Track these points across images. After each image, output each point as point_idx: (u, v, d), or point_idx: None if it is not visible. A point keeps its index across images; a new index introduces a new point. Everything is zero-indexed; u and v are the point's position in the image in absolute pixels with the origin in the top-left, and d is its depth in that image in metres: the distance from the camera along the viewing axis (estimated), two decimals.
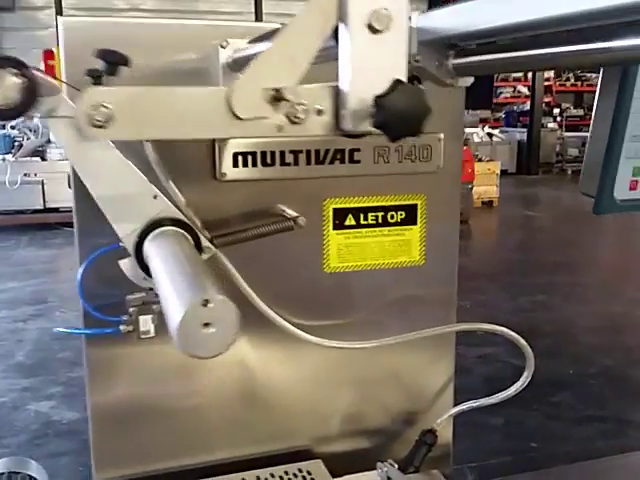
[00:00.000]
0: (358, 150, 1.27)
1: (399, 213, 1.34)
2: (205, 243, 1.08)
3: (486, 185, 9.07)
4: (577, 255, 6.75)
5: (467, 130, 10.74)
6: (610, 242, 7.68)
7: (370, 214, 1.32)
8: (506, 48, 1.10)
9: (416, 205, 1.35)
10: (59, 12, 8.38)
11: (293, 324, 1.24)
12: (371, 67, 0.65)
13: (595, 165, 1.20)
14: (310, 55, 0.63)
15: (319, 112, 0.66)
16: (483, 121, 13.36)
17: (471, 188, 8.06)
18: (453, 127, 1.34)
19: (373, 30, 0.64)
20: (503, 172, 9.84)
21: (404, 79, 0.66)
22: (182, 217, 1.05)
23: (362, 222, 1.32)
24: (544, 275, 5.92)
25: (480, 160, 9.33)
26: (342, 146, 1.26)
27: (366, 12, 0.63)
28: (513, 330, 1.31)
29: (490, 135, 11.89)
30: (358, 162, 1.28)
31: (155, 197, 1.03)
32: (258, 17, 8.75)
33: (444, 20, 1.19)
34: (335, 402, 1.37)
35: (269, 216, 1.22)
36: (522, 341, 1.30)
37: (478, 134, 11.56)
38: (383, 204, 1.32)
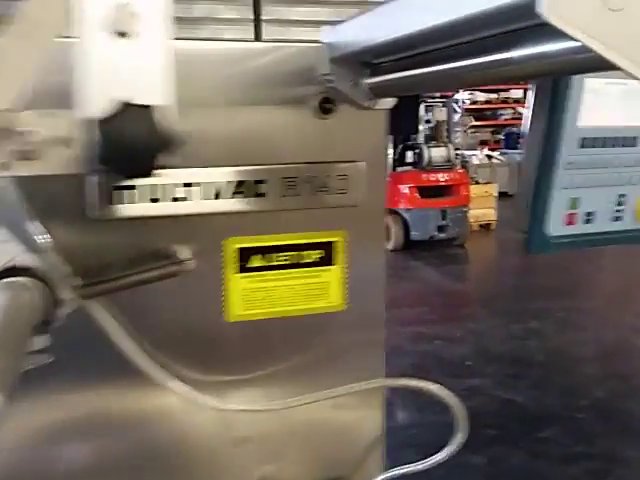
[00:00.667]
0: (263, 182, 1.12)
1: (314, 252, 1.18)
2: (65, 295, 0.93)
3: (483, 208, 8.92)
4: (574, 280, 6.57)
5: (466, 152, 10.61)
6: (610, 265, 7.49)
7: (280, 254, 1.17)
8: (420, 64, 0.95)
9: (334, 243, 1.19)
10: None
11: (190, 381, 1.08)
12: (107, 82, 0.49)
13: (526, 197, 1.05)
14: (32, 68, 0.48)
15: (63, 143, 0.50)
16: (483, 143, 13.24)
17: (466, 211, 7.90)
18: (375, 155, 1.18)
19: (118, 33, 0.48)
20: (503, 194, 9.68)
21: (155, 100, 0.50)
22: (37, 265, 0.90)
23: (271, 263, 1.16)
24: (539, 301, 5.74)
25: (477, 183, 9.19)
26: (244, 177, 1.10)
27: (104, 10, 0.47)
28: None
29: (489, 157, 11.74)
30: (263, 195, 1.12)
31: (4, 242, 0.89)
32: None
33: (353, 33, 1.05)
34: (242, 465, 1.20)
35: (159, 259, 1.07)
36: (454, 399, 1.14)
37: (477, 156, 11.42)
38: (295, 242, 1.17)
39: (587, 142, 1.02)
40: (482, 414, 3.48)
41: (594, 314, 5.47)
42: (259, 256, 1.15)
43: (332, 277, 1.20)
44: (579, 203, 1.05)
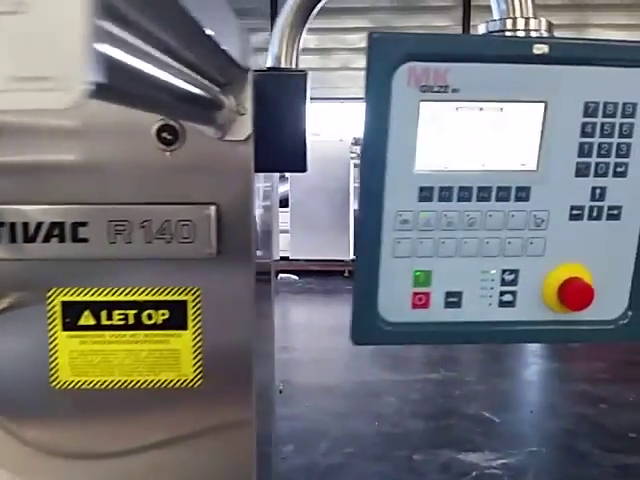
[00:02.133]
0: (84, 224, 0.93)
1: (160, 313, 0.97)
2: None
3: None
4: None
5: None
6: None
7: (117, 312, 0.97)
8: None
9: (185, 303, 0.96)
10: None
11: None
12: None
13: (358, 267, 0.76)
14: None
15: None
16: None
17: None
18: (235, 197, 0.94)
19: None
20: None
21: None
22: None
23: (105, 322, 0.97)
24: None
25: None
26: (60, 218, 0.93)
27: None
28: None
29: None
30: (85, 241, 0.94)
31: None
32: None
33: None
34: None
35: None
36: None
37: None
38: (135, 299, 0.97)
39: (429, 193, 0.70)
40: None
41: None
42: (88, 313, 0.97)
43: (183, 344, 0.98)
44: (431, 279, 0.73)
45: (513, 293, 0.75)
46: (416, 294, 0.74)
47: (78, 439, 0.98)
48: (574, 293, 0.72)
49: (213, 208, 0.92)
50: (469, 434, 3.40)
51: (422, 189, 0.71)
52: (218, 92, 0.81)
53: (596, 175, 0.73)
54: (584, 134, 0.71)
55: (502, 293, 0.75)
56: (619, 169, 0.73)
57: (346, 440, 3.35)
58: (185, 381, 0.96)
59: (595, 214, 0.74)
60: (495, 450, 3.26)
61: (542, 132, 0.71)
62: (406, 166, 0.70)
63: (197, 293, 0.94)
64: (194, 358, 0.95)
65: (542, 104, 0.71)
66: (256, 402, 0.99)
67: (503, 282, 0.75)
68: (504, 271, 0.74)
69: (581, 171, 0.72)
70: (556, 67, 0.70)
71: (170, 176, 0.93)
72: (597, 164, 0.72)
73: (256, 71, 0.84)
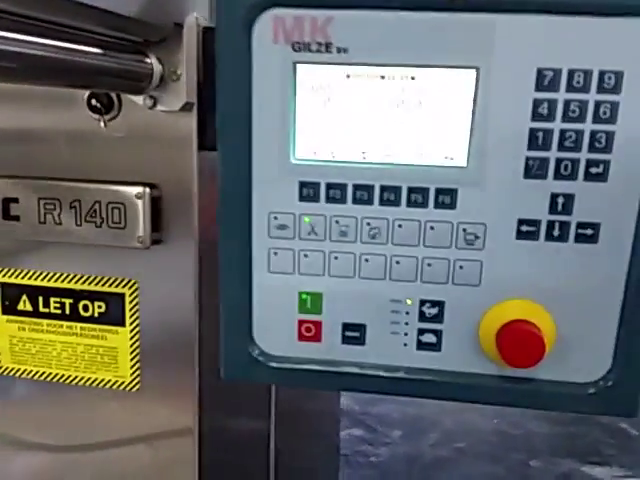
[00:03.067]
0: (15, 200, 0.83)
1: (96, 305, 0.85)
2: None
3: None
4: None
5: None
6: None
7: (53, 299, 0.87)
8: None
9: (122, 296, 0.84)
10: None
11: None
12: None
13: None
14: None
15: None
16: None
17: None
18: (175, 179, 0.79)
19: None
20: None
21: None
22: None
23: (42, 309, 0.88)
24: None
25: None
26: None
27: None
28: None
29: None
30: (17, 219, 0.84)
31: None
32: None
33: None
34: None
35: None
36: None
37: None
38: (72, 287, 0.86)
39: (313, 191, 0.52)
40: None
41: None
42: (25, 298, 0.88)
43: (121, 342, 0.86)
44: (322, 304, 0.55)
45: (437, 333, 0.54)
46: (303, 322, 0.55)
47: (16, 428, 0.90)
48: (514, 342, 0.51)
49: (147, 190, 0.78)
50: (598, 445, 3.05)
51: (304, 185, 0.52)
52: (136, 55, 0.67)
53: (558, 177, 0.50)
54: (537, 116, 0.49)
55: (421, 331, 0.55)
56: (594, 169, 0.49)
57: (459, 434, 3.12)
58: (123, 383, 0.84)
59: (556, 233, 0.51)
60: (625, 466, 2.89)
61: (473, 112, 0.50)
62: (280, 153, 0.51)
63: (135, 286, 0.81)
64: (132, 359, 0.83)
65: (473, 70, 0.49)
66: (201, 409, 0.85)
67: (422, 317, 0.54)
68: (423, 302, 0.54)
69: (533, 170, 0.50)
70: (493, 16, 0.48)
71: (103, 150, 0.80)
72: (559, 161, 0.50)
73: (206, 28, 0.68)
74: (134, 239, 0.79)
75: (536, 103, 0.49)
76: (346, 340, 0.55)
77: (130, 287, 0.81)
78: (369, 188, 0.52)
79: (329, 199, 0.52)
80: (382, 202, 0.51)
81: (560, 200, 0.50)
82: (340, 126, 0.51)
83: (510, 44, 0.48)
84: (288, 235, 0.53)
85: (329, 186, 0.52)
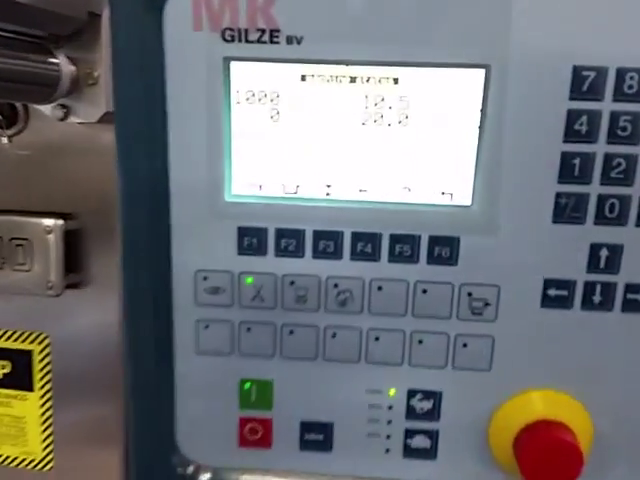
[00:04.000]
0: None
1: (0, 364, 0.69)
2: None
3: None
4: None
5: None
6: None
7: None
8: None
9: (30, 353, 0.68)
10: None
11: None
12: None
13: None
14: None
15: None
16: None
17: None
18: (96, 207, 0.64)
19: None
20: None
21: None
22: None
23: None
24: None
25: None
26: None
27: None
28: None
29: None
30: None
31: None
32: None
33: None
34: None
35: None
36: None
37: None
38: None
39: (257, 240, 0.36)
40: None
41: None
42: None
43: (29, 411, 0.70)
44: (272, 396, 0.39)
45: (431, 435, 0.39)
46: (246, 422, 0.40)
47: None
48: (541, 453, 0.36)
49: (60, 222, 0.63)
50: None
51: (244, 232, 0.37)
52: (39, 54, 0.53)
53: (600, 221, 0.35)
54: (572, 135, 0.34)
55: (410, 433, 0.40)
56: None
57: None
58: (33, 461, 0.68)
59: (597, 299, 0.37)
60: None
61: (481, 129, 0.35)
62: (210, 187, 0.36)
63: (46, 341, 0.66)
64: (43, 431, 0.67)
65: (481, 70, 0.34)
66: None
67: (411, 413, 0.39)
68: (413, 393, 0.39)
69: (566, 211, 0.36)
70: None
71: (5, 172, 0.65)
72: (602, 198, 0.35)
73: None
74: (43, 285, 0.64)
75: (571, 116, 0.34)
76: (306, 445, 0.40)
77: (40, 343, 0.67)
78: (336, 236, 0.37)
79: (280, 251, 0.37)
80: (355, 256, 0.36)
81: (603, 253, 0.36)
82: (294, 150, 0.36)
83: (533, 32, 0.33)
84: (224, 302, 0.38)
85: (280, 233, 0.37)
